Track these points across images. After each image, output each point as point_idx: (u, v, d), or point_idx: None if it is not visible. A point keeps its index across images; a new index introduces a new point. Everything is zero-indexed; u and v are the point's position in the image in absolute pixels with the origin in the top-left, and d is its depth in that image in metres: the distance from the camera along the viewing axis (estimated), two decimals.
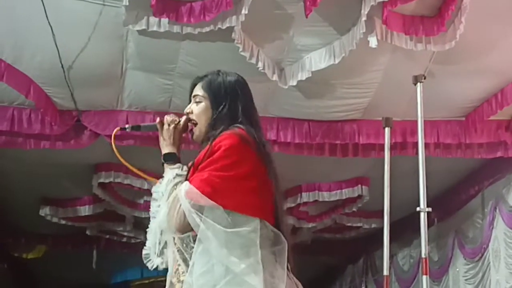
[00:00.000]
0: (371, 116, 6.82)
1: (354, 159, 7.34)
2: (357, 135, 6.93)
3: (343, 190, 8.71)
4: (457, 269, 9.01)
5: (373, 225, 9.77)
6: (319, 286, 13.75)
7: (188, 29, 5.37)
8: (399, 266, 10.91)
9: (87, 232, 10.27)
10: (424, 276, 4.50)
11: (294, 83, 6.03)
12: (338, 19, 5.60)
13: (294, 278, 2.38)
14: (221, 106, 2.41)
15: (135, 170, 2.69)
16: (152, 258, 2.40)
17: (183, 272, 2.25)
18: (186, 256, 2.24)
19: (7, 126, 6.43)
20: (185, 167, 2.39)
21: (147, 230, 2.44)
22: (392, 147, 5.68)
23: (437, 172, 7.23)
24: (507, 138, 7.04)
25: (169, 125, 2.46)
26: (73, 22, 5.50)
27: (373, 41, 5.39)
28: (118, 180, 8.09)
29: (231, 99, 2.43)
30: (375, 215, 9.17)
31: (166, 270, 2.37)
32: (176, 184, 2.32)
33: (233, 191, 2.21)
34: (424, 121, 4.77)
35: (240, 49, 5.49)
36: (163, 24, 5.33)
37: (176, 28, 5.36)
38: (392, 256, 10.11)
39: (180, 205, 2.23)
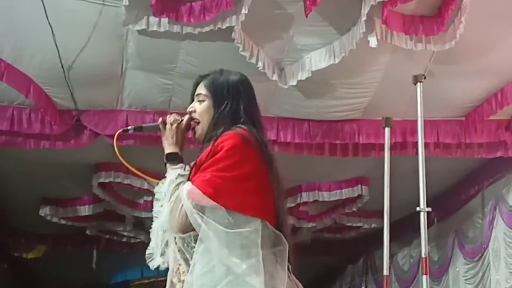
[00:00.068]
0: (371, 116, 6.82)
1: (354, 159, 7.34)
2: (357, 135, 6.94)
3: (343, 190, 8.72)
4: (457, 269, 9.01)
5: (373, 225, 9.76)
6: (319, 286, 13.73)
7: (188, 29, 5.37)
8: (399, 266, 10.91)
9: (87, 232, 10.27)
10: (424, 276, 4.50)
11: (294, 83, 6.03)
12: (338, 18, 5.60)
13: (295, 279, 2.37)
14: (223, 105, 2.40)
15: (138, 172, 2.68)
16: (156, 258, 2.39)
17: (183, 272, 2.24)
18: (187, 256, 2.24)
19: (7, 126, 6.43)
20: (187, 167, 2.38)
21: (147, 230, 2.43)
22: (392, 147, 5.67)
23: (437, 172, 7.23)
24: (507, 138, 7.04)
25: (171, 124, 2.46)
26: (73, 22, 5.50)
27: (373, 41, 5.39)
28: (118, 180, 8.09)
29: (234, 98, 2.41)
30: (375, 215, 9.17)
31: (166, 270, 2.37)
32: (178, 184, 2.31)
33: (234, 192, 2.20)
34: (424, 121, 4.77)
35: (240, 49, 5.49)
36: (163, 24, 5.33)
37: (176, 28, 5.37)
38: (392, 256, 10.12)
39: (182, 205, 2.22)
